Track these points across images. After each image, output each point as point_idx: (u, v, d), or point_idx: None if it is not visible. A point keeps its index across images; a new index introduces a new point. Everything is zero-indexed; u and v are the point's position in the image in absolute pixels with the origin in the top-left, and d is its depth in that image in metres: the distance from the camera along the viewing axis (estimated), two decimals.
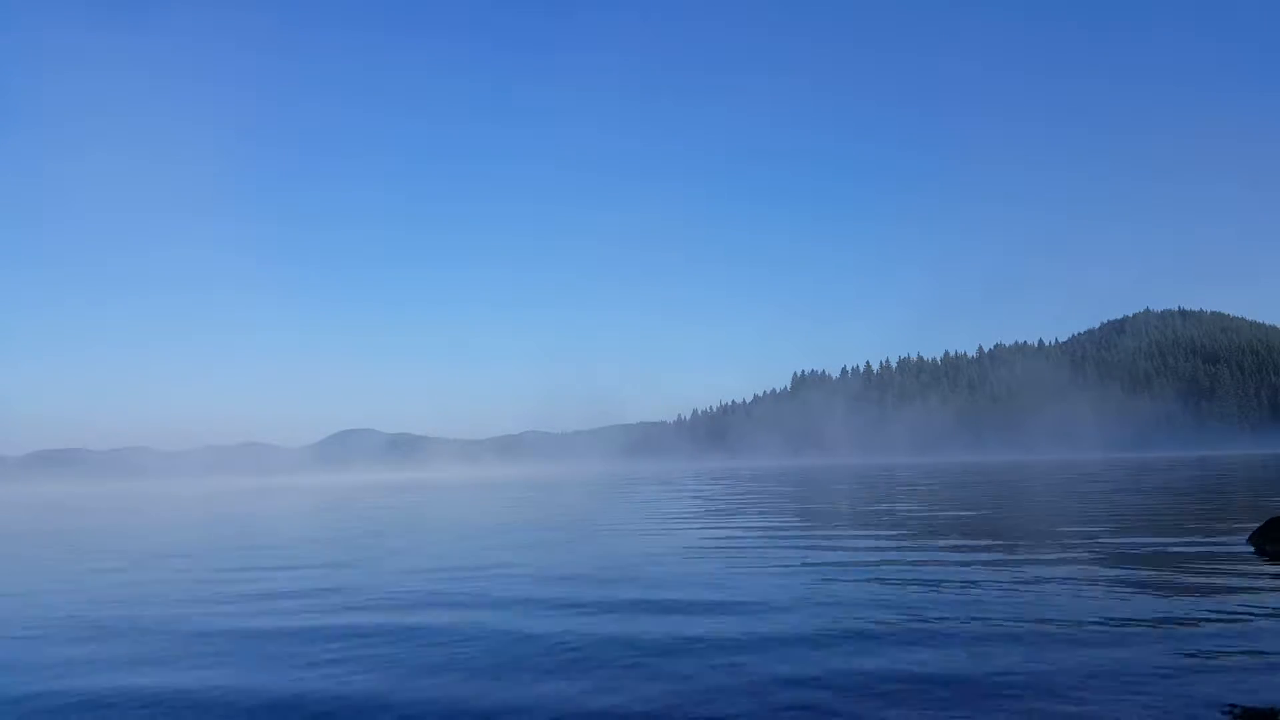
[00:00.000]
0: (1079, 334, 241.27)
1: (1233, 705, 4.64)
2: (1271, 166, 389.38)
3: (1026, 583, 8.75)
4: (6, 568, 14.08)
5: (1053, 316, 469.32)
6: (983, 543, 12.58)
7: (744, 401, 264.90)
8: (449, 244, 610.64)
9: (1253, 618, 6.80)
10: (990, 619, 7.00)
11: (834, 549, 12.40)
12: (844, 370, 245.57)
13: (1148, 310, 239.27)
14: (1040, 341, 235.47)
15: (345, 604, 8.69)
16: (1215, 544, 11.59)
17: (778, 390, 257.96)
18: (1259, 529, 11.56)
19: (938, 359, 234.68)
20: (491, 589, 9.38)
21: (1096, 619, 6.90)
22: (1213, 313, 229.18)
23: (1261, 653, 5.73)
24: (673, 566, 10.98)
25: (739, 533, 15.71)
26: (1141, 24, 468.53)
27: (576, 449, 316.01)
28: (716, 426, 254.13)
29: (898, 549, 12.13)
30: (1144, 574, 9.18)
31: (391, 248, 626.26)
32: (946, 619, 7.06)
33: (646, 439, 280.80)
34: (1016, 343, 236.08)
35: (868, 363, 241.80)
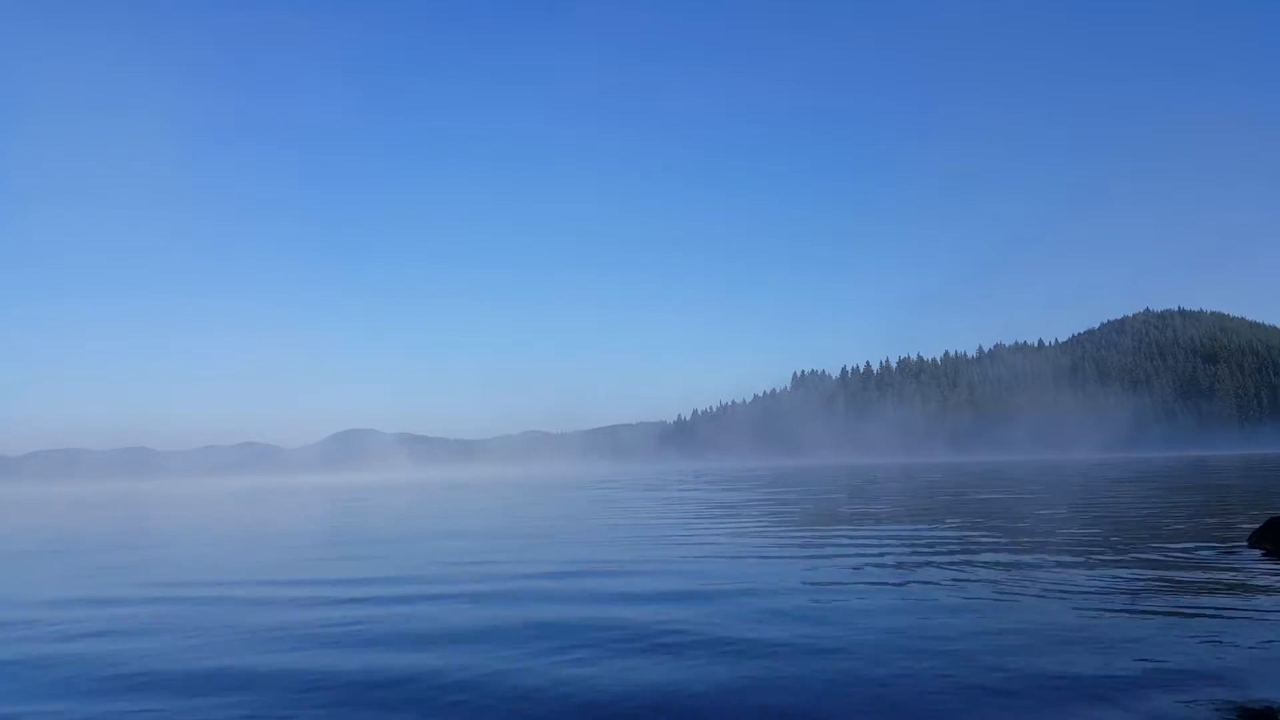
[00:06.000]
0: (1079, 334, 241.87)
1: (1232, 705, 4.60)
2: (1272, 165, 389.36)
3: (1023, 581, 8.72)
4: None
5: (1053, 316, 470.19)
6: (983, 540, 12.56)
7: (744, 401, 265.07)
8: (447, 242, 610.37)
9: (1252, 617, 6.75)
10: (978, 607, 6.98)
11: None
12: (844, 370, 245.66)
13: (1148, 310, 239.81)
14: (1040, 341, 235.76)
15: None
16: (1215, 543, 11.55)
17: (778, 390, 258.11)
18: (1259, 529, 11.50)
19: (938, 359, 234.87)
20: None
21: (1091, 616, 6.86)
22: (1212, 312, 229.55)
23: (1261, 653, 5.69)
24: None
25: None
26: (1143, 19, 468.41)
27: (577, 450, 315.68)
28: (716, 427, 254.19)
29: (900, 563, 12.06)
30: (1142, 573, 9.13)
31: (390, 246, 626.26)
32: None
33: (648, 439, 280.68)
34: (1016, 343, 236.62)
35: (868, 363, 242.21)
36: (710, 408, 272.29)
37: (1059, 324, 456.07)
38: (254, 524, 22.69)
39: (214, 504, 38.13)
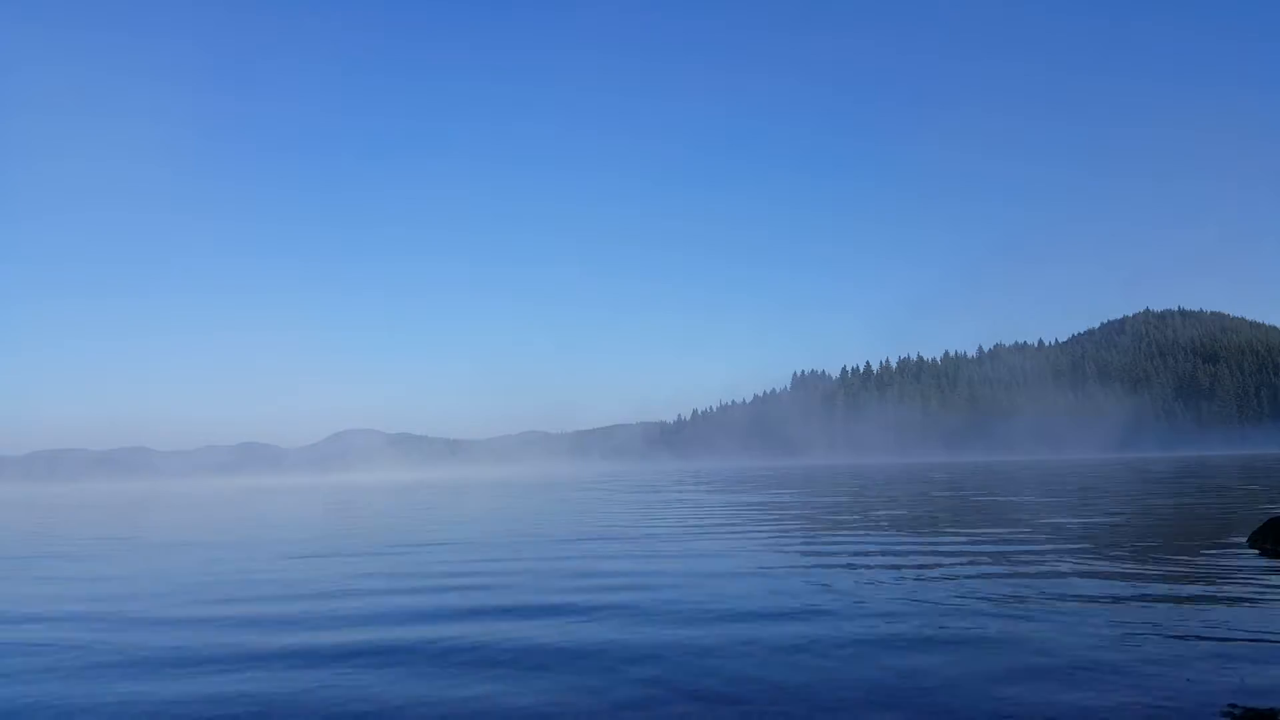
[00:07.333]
0: (1079, 334, 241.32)
1: (1233, 705, 4.58)
2: (1272, 165, 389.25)
3: (1024, 581, 8.69)
4: None
5: (1052, 316, 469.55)
6: (981, 534, 12.53)
7: (743, 401, 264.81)
8: (446, 241, 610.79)
9: (1252, 617, 6.74)
10: (982, 610, 6.96)
11: None
12: (844, 370, 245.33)
13: (1148, 310, 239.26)
14: (1040, 341, 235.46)
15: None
16: (1215, 543, 11.54)
17: (778, 390, 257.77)
18: (1259, 529, 11.49)
19: (937, 359, 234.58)
20: None
21: (1094, 617, 6.84)
22: (1212, 313, 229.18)
23: (1261, 653, 5.66)
24: None
25: None
26: (1143, 18, 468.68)
27: (574, 449, 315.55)
28: (714, 428, 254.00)
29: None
30: (1142, 571, 9.13)
31: (389, 246, 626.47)
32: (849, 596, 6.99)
33: (646, 439, 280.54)
34: (1016, 343, 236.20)
35: (867, 363, 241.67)
36: (710, 408, 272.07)
37: (1058, 324, 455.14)
38: (195, 530, 22.65)
39: (189, 507, 38.08)
